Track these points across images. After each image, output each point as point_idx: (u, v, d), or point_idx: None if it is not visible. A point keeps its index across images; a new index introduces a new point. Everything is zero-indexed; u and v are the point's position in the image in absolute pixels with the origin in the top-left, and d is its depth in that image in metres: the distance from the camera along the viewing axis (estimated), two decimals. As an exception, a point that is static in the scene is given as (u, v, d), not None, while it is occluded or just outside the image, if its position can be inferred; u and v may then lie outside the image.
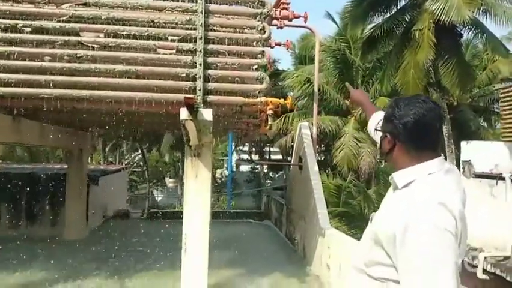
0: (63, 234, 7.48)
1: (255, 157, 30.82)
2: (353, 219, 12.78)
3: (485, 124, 19.54)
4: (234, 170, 33.78)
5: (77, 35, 3.69)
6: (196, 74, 3.75)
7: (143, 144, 26.03)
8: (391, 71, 14.32)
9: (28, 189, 7.66)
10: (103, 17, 3.71)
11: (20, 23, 3.59)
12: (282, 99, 4.15)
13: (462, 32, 13.40)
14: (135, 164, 32.90)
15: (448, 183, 1.24)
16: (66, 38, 3.66)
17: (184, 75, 3.76)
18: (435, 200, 1.15)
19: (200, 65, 3.74)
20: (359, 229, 10.76)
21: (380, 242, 1.22)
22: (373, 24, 14.79)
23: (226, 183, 24.25)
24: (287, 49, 6.86)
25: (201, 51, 3.74)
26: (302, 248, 6.39)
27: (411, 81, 12.99)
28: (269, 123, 4.18)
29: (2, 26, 3.58)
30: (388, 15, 14.18)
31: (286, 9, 5.39)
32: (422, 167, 1.25)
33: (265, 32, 3.87)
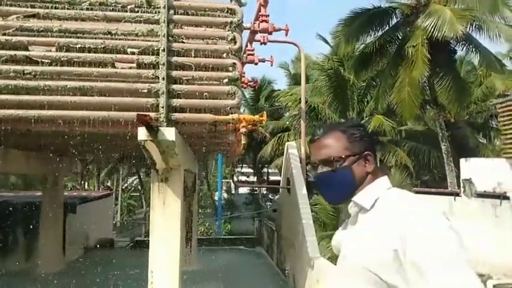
0: (38, 267, 6.95)
1: (254, 179, 30.16)
2: (352, 242, 12.28)
3: (484, 140, 19.15)
4: (233, 192, 33.11)
5: (26, 49, 3.32)
6: (158, 90, 3.36)
7: (140, 168, 25.62)
8: (386, 88, 14.08)
9: (1, 218, 7.16)
10: (54, 29, 3.35)
11: (-40, 36, 3.23)
12: (257, 116, 3.74)
13: (456, 47, 13.24)
14: (133, 188, 32.41)
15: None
16: (12, 52, 3.30)
17: (146, 90, 3.37)
18: (428, 205, 1.03)
19: (163, 79, 3.35)
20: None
21: (377, 275, 1.01)
22: (366, 43, 14.66)
23: (223, 206, 23.62)
24: (271, 65, 6.56)
25: (164, 64, 3.36)
26: (292, 279, 5.85)
27: (407, 99, 12.73)
28: (242, 142, 3.77)
29: None
30: (380, 33, 14.06)
31: (266, 21, 5.11)
32: (380, 183, 1.15)
33: (236, 42, 3.51)
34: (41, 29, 3.34)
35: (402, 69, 12.77)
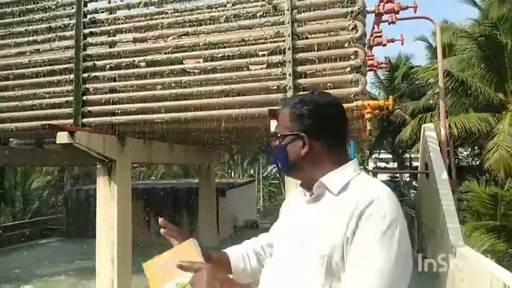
0: (198, 242, 8.28)
1: (394, 165, 28.62)
2: (514, 234, 10.65)
3: None
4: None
5: (181, 63, 4.08)
6: (286, 85, 3.71)
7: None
8: (559, 50, 11.59)
9: (170, 201, 8.77)
10: (201, 44, 4.03)
11: (136, 59, 4.18)
12: (382, 100, 3.74)
13: None
14: (272, 176, 34.57)
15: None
16: (172, 67, 4.10)
17: (275, 87, 3.77)
18: (390, 193, 1.00)
19: (290, 75, 3.69)
20: (522, 246, 8.90)
21: (334, 262, 0.94)
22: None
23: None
24: (402, 44, 6.25)
25: (290, 61, 3.69)
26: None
27: None
28: (368, 128, 3.81)
29: (124, 64, 4.24)
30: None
31: (391, 1, 4.95)
32: (351, 166, 1.07)
33: (357, 30, 3.59)
34: (191, 44, 4.06)
35: None
